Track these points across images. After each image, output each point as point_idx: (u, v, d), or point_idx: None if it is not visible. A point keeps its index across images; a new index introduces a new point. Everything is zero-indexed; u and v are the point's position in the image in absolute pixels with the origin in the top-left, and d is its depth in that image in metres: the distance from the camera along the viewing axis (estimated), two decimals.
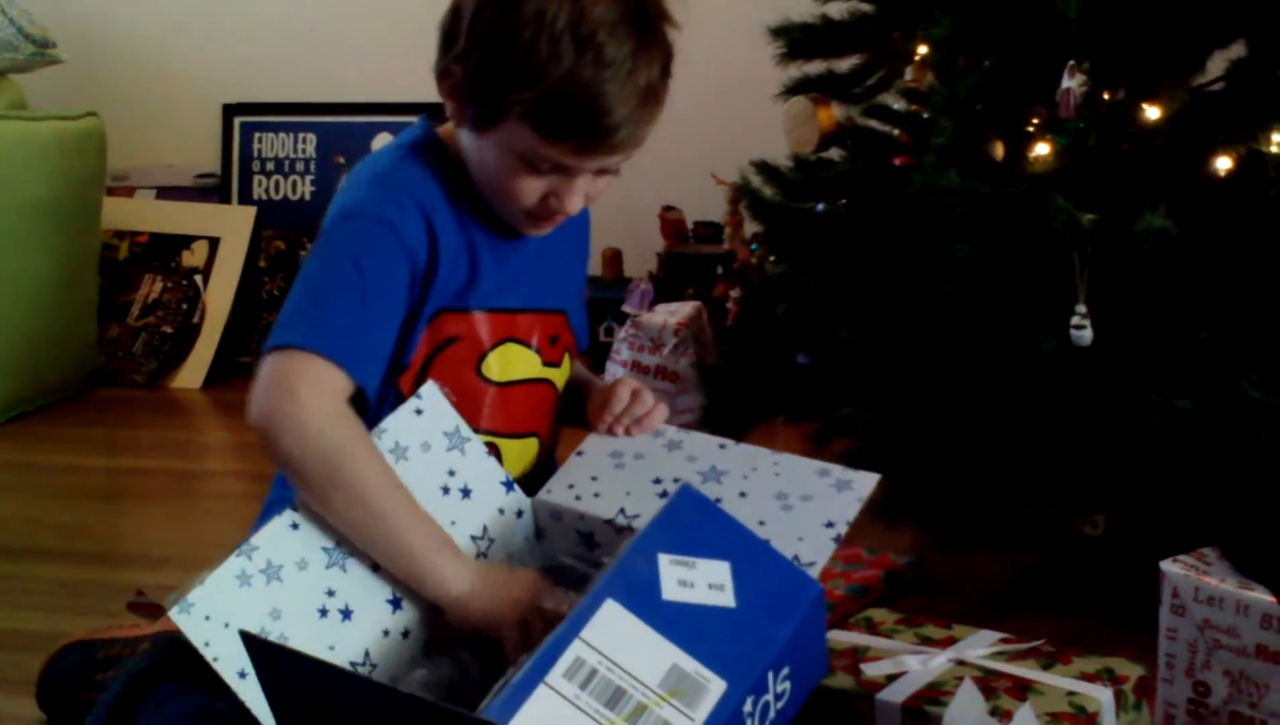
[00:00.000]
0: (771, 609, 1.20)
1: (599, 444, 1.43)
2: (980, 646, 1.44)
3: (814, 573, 1.28)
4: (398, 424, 1.32)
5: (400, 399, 1.37)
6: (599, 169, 1.38)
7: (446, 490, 1.34)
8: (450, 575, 1.27)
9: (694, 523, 1.23)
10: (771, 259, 2.53)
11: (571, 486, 1.39)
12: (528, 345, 1.47)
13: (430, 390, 1.35)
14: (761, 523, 1.30)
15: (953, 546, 2.00)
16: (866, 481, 1.32)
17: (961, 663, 1.40)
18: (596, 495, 1.37)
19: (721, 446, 1.38)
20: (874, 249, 2.03)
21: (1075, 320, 1.68)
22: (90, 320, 3.31)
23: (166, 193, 3.64)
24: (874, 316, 1.97)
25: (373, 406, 1.35)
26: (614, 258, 3.27)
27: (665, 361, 2.62)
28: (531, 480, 1.46)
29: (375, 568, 1.27)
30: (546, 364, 1.48)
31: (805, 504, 1.30)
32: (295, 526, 1.26)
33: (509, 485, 1.38)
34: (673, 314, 2.68)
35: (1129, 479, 1.73)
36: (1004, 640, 1.46)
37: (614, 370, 2.72)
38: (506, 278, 1.44)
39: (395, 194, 1.36)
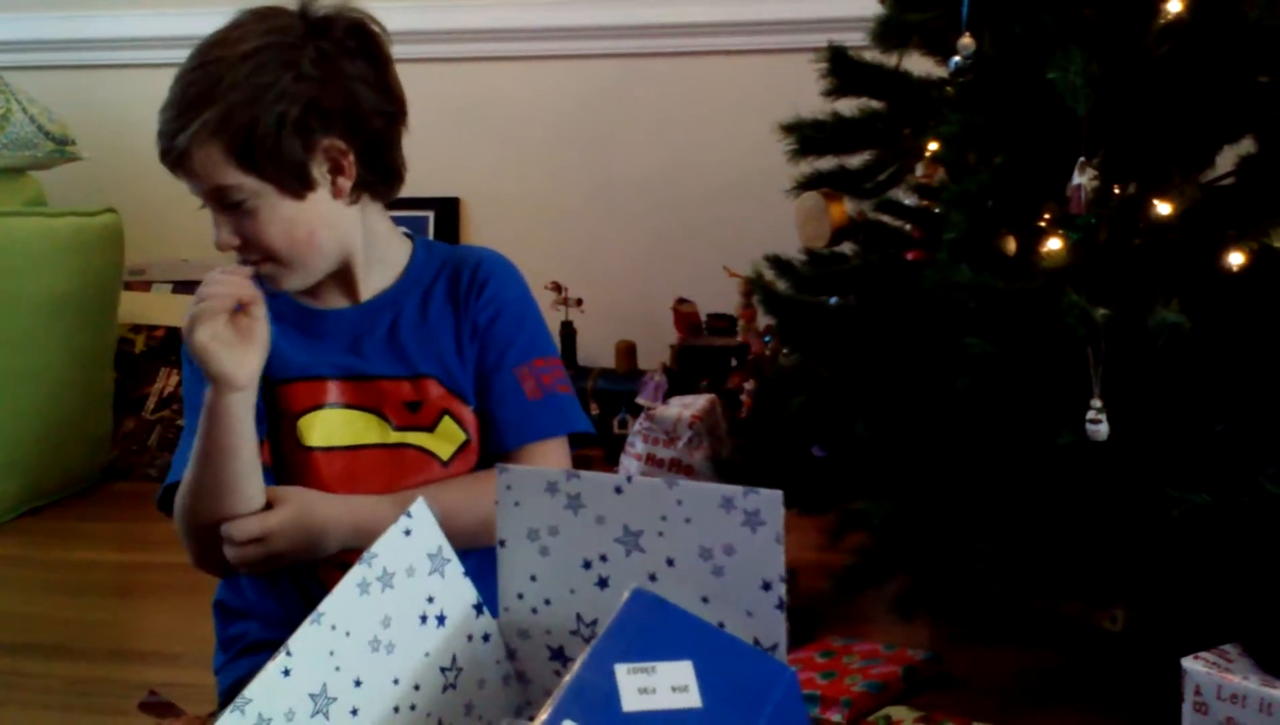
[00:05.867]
0: (742, 702, 1.17)
1: (509, 522, 1.39)
2: None
3: (779, 655, 1.25)
4: (387, 548, 1.31)
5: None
6: (219, 200, 1.43)
7: (424, 619, 1.31)
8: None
9: (649, 625, 1.20)
10: (785, 351, 2.53)
11: (521, 596, 1.36)
12: (367, 410, 1.49)
13: (420, 508, 1.34)
14: (705, 599, 1.28)
15: (971, 642, 1.99)
16: (772, 507, 1.26)
17: None
18: (548, 602, 1.35)
19: (619, 490, 1.34)
20: (887, 343, 2.04)
21: (1091, 414, 1.68)
22: (106, 414, 3.32)
23: (183, 287, 3.67)
24: (889, 411, 1.97)
25: None
26: (628, 350, 3.28)
27: (680, 454, 2.61)
28: None
29: (355, 711, 1.24)
30: (402, 428, 1.50)
31: (732, 560, 1.26)
32: (287, 673, 1.23)
33: (479, 608, 1.36)
34: (687, 407, 2.68)
35: (1148, 574, 1.72)
36: None
37: (628, 463, 2.72)
38: (321, 352, 1.50)
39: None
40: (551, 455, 1.55)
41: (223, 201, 1.42)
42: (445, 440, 1.52)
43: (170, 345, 3.50)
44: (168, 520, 1.51)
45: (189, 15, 3.60)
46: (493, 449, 1.54)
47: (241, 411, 1.37)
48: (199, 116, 1.39)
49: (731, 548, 1.25)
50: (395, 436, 1.50)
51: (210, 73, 1.40)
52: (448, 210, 3.58)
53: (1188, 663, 1.44)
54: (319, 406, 1.49)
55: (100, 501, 3.15)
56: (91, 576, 2.61)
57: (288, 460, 1.48)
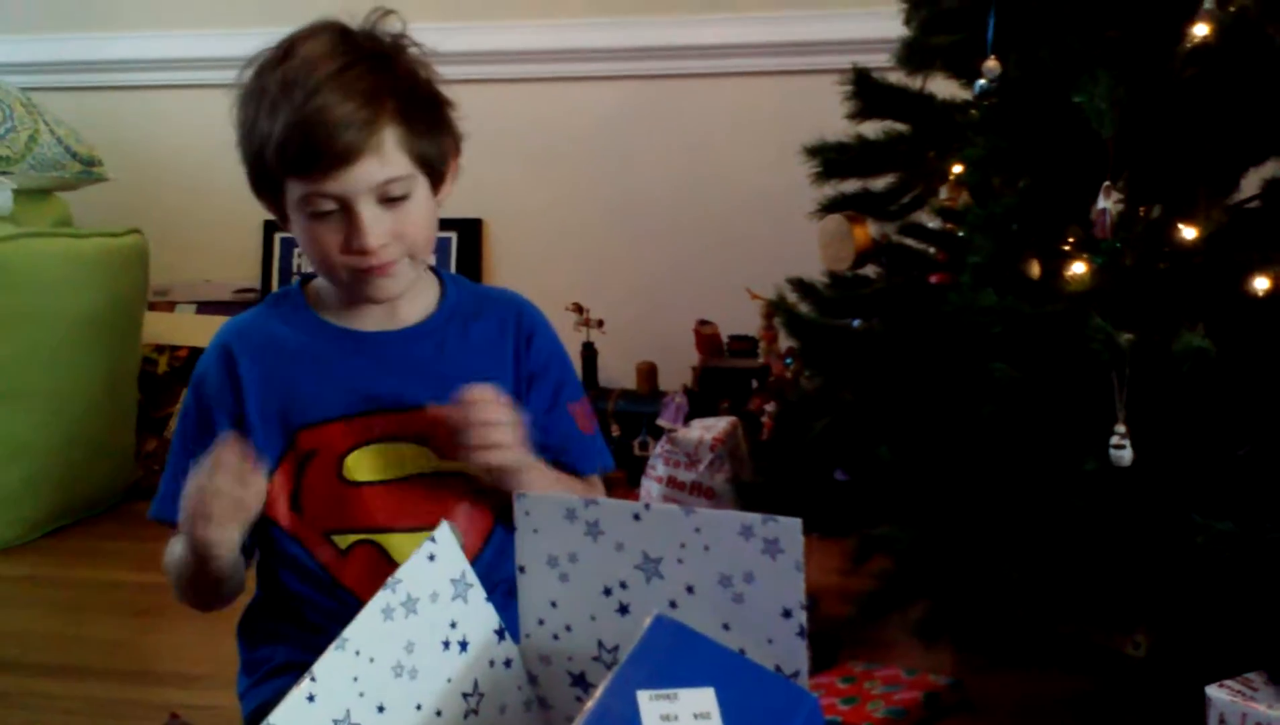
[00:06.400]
0: None
1: (529, 548, 1.39)
2: None
3: (800, 682, 1.24)
4: (411, 573, 1.31)
5: (267, 520, 1.47)
6: (379, 197, 1.43)
7: (447, 644, 1.32)
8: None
9: (671, 652, 1.20)
10: (807, 374, 2.53)
11: (542, 622, 1.36)
12: (410, 440, 1.49)
13: (444, 532, 1.34)
14: (726, 626, 1.27)
15: (993, 667, 1.98)
16: (791, 535, 1.26)
17: None
18: (569, 629, 1.35)
19: (637, 517, 1.33)
20: (911, 367, 2.03)
21: (1115, 440, 1.67)
22: (129, 434, 3.33)
23: (207, 307, 3.69)
24: (913, 435, 1.97)
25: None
26: (649, 371, 3.28)
27: (701, 477, 2.61)
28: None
29: None
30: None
31: (752, 587, 1.26)
32: (311, 698, 1.23)
33: (500, 634, 1.36)
34: (709, 429, 2.68)
35: (1172, 600, 1.71)
36: None
37: (649, 486, 2.71)
38: (367, 382, 1.49)
39: (210, 349, 1.54)
40: (603, 487, 1.61)
41: (385, 196, 1.43)
42: None
43: (193, 366, 3.49)
44: None
45: (215, 37, 3.63)
46: None
47: (227, 557, 1.40)
48: (381, 107, 1.41)
49: (751, 575, 1.24)
50: (444, 464, 1.50)
51: (371, 69, 1.43)
52: (470, 231, 3.59)
53: (1212, 690, 1.43)
54: (365, 442, 1.49)
55: (123, 521, 3.16)
56: (114, 596, 2.62)
57: (328, 494, 1.48)
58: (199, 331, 3.57)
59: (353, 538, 1.47)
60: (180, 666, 2.23)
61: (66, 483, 3.06)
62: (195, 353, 3.52)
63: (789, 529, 1.21)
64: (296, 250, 3.64)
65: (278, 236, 3.66)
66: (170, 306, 3.70)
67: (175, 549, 1.47)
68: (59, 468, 3.02)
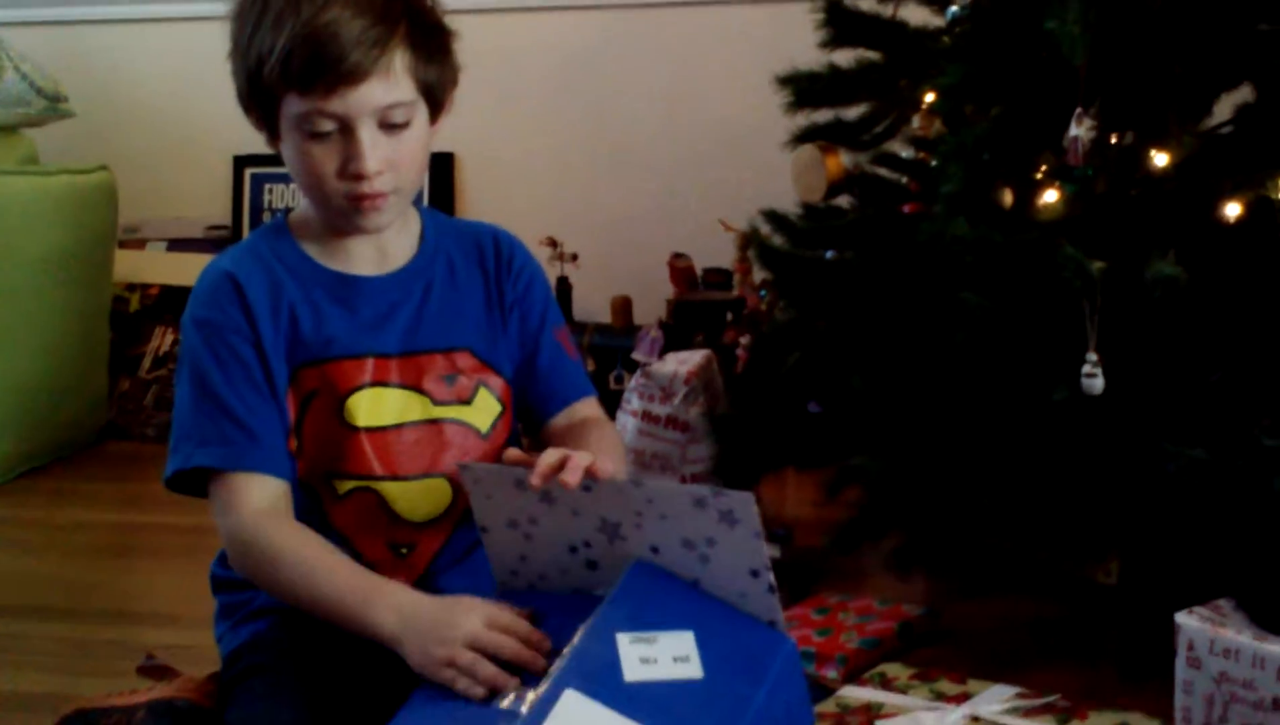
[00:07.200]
0: (742, 672, 1.17)
1: (486, 512, 1.38)
2: (995, 702, 1.44)
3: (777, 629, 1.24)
4: None
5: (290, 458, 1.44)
6: (381, 121, 1.40)
7: None
8: (379, 622, 1.30)
9: (651, 596, 1.20)
10: (781, 306, 2.53)
11: (515, 573, 1.36)
12: (409, 387, 1.48)
13: None
14: (696, 582, 1.27)
15: (966, 596, 1.99)
16: (745, 507, 1.25)
17: (976, 719, 1.39)
18: (543, 578, 1.34)
19: (587, 488, 1.32)
20: (884, 297, 2.03)
21: (1086, 368, 1.67)
22: (101, 374, 3.31)
23: (178, 245, 3.64)
24: (885, 365, 1.97)
25: (289, 470, 1.44)
26: (623, 305, 3.27)
27: (676, 411, 2.60)
28: (457, 520, 1.48)
29: None
30: (440, 403, 1.48)
31: (715, 550, 1.25)
32: None
33: None
34: (683, 363, 2.67)
35: (1143, 528, 1.72)
36: (1019, 695, 1.45)
37: (624, 420, 2.71)
38: (361, 326, 1.47)
39: (206, 283, 1.47)
40: (599, 408, 1.58)
41: (387, 121, 1.40)
42: (482, 412, 1.51)
43: (165, 304, 3.48)
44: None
45: None
46: (550, 407, 1.55)
47: None
48: (394, 29, 1.38)
49: (713, 540, 1.24)
50: (436, 412, 1.48)
51: None
52: (442, 166, 3.56)
53: (1181, 617, 1.44)
54: (365, 385, 1.46)
55: (97, 462, 3.16)
56: (89, 537, 2.62)
57: (330, 437, 1.45)
58: (171, 269, 3.55)
59: (351, 483, 1.45)
60: (157, 606, 2.24)
61: (39, 424, 3.04)
62: (168, 291, 3.50)
63: (743, 502, 1.20)
64: (267, 186, 3.62)
65: (248, 172, 3.62)
66: (141, 244, 3.66)
67: (305, 557, 1.38)
68: (31, 409, 3.01)
